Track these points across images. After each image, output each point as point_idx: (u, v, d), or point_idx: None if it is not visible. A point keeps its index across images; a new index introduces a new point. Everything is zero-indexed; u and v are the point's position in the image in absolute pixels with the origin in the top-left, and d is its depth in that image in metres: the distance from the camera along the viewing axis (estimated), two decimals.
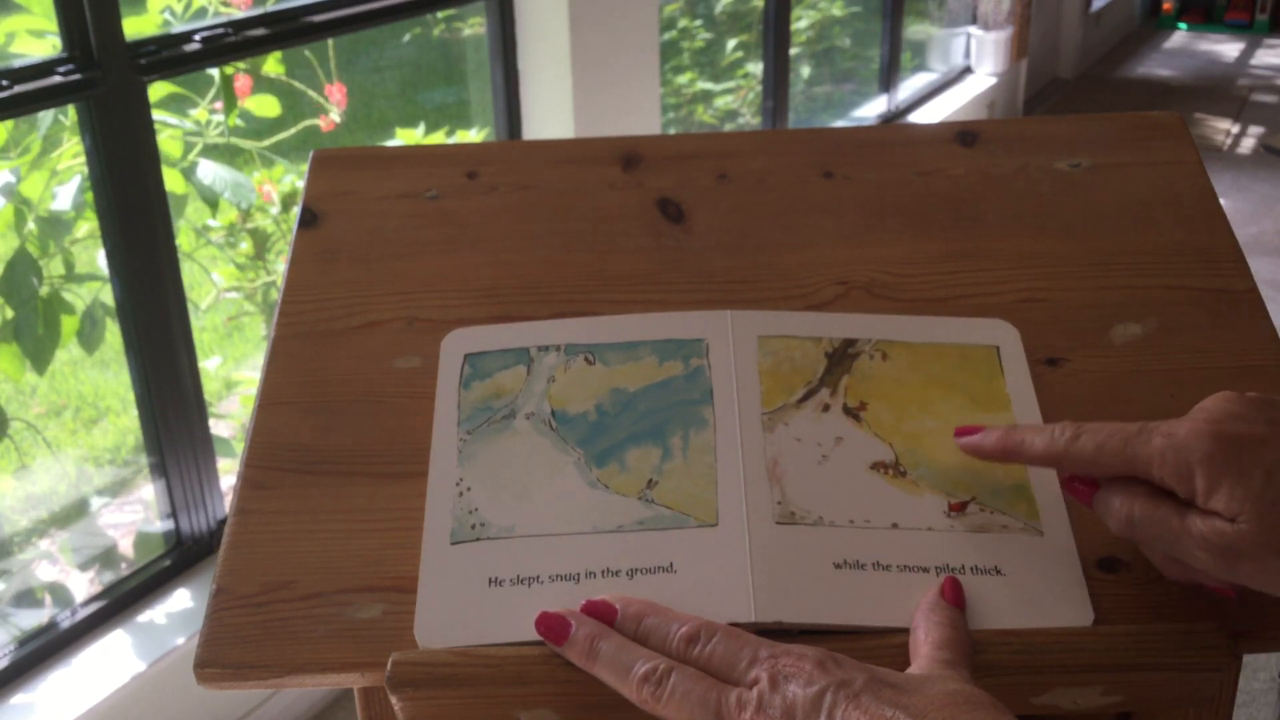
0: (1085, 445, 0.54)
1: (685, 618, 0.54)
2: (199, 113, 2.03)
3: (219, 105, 2.03)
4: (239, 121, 2.06)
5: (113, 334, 1.89)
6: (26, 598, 1.90)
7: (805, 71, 4.14)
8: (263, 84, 2.07)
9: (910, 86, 4.74)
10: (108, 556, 2.03)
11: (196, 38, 1.87)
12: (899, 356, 0.66)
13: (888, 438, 0.62)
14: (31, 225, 1.81)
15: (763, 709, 0.49)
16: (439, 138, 2.55)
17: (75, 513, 2.06)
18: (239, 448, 1.83)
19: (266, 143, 2.15)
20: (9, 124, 1.78)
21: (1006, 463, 0.59)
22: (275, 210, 2.19)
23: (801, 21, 3.98)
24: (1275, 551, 0.49)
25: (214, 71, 1.99)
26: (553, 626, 0.55)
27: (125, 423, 2.17)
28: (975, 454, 0.59)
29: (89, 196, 1.82)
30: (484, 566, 0.58)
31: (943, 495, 0.60)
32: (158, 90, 1.87)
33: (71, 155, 1.82)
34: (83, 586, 1.97)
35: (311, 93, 2.20)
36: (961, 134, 0.80)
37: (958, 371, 0.65)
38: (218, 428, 2.10)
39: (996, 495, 0.60)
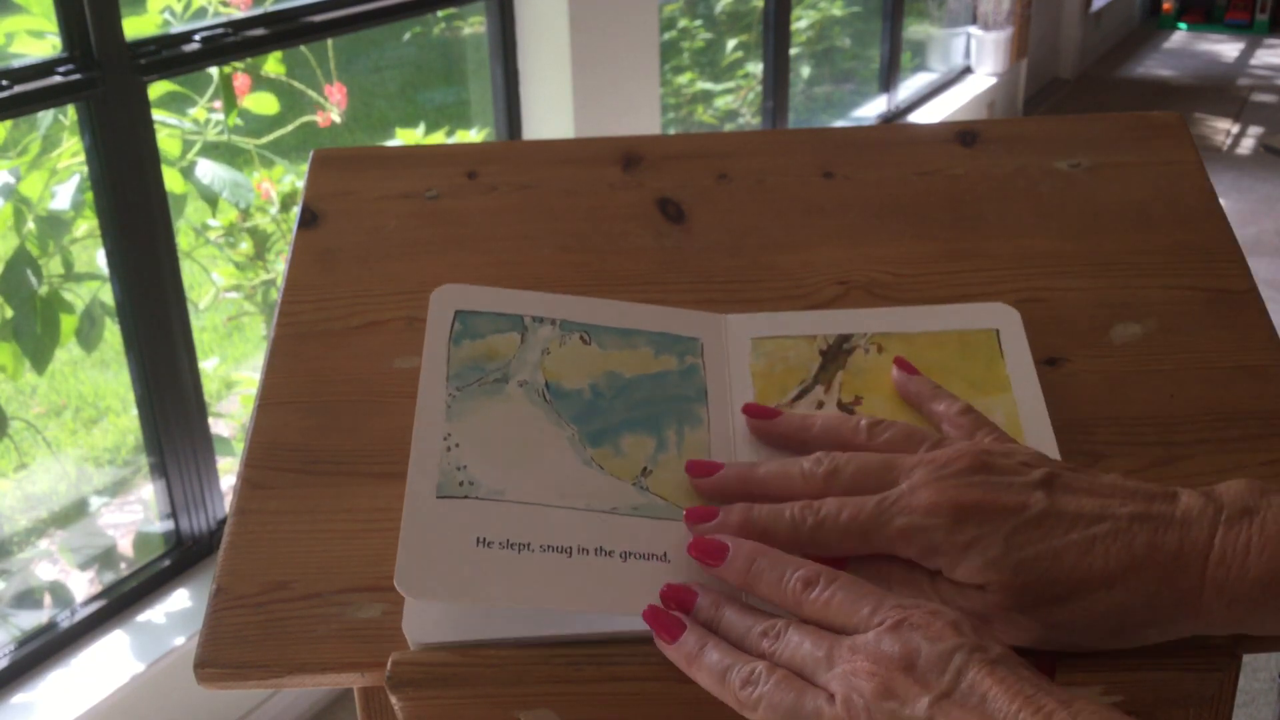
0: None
1: (801, 562, 0.52)
2: (197, 111, 2.03)
3: (218, 104, 2.03)
4: (238, 120, 2.06)
5: (112, 334, 1.89)
6: (26, 598, 1.90)
7: (805, 71, 4.14)
8: (262, 83, 2.07)
9: (910, 86, 4.74)
10: (107, 556, 2.03)
11: (196, 38, 1.87)
12: (895, 348, 0.65)
13: None
14: (31, 224, 1.81)
15: (881, 650, 0.46)
16: (439, 138, 2.55)
17: (75, 513, 2.06)
18: (239, 448, 1.83)
19: (265, 140, 2.15)
20: (7, 124, 1.78)
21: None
22: (274, 210, 2.19)
23: (801, 21, 3.98)
24: (1021, 609, 0.50)
25: (213, 70, 1.99)
26: (710, 550, 0.53)
27: (125, 423, 2.17)
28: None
29: (88, 196, 1.82)
30: (471, 525, 0.56)
31: None
32: (155, 89, 1.87)
33: (70, 154, 1.82)
34: (83, 586, 1.97)
35: (311, 93, 2.20)
36: (961, 134, 0.80)
37: (956, 359, 0.65)
38: (217, 427, 2.10)
39: None
